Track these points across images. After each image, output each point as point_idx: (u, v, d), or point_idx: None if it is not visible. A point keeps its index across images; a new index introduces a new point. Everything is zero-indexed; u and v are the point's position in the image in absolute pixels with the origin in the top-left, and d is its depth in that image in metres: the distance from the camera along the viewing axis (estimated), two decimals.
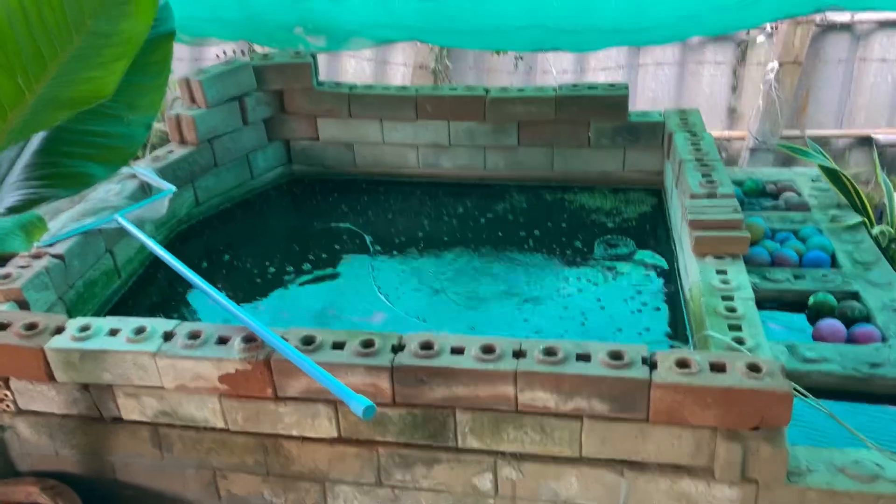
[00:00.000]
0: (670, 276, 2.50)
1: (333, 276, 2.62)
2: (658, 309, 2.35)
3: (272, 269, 2.64)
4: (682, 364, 1.59)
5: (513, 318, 2.34)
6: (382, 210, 3.08)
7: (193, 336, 1.77)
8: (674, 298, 2.39)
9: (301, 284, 2.57)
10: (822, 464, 1.62)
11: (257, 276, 2.61)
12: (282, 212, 3.16)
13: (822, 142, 3.75)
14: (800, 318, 2.24)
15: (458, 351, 1.68)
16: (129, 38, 1.44)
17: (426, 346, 1.69)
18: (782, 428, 1.55)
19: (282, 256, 2.74)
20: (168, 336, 1.78)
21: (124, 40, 1.44)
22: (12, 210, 1.49)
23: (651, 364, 1.60)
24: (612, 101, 2.93)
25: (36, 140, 1.59)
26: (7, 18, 1.30)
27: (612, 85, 2.99)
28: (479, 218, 2.97)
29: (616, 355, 1.62)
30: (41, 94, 1.42)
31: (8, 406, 1.90)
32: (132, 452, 1.90)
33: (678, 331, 2.23)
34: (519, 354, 1.65)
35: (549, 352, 1.64)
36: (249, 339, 1.74)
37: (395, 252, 2.75)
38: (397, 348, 1.70)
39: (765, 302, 2.28)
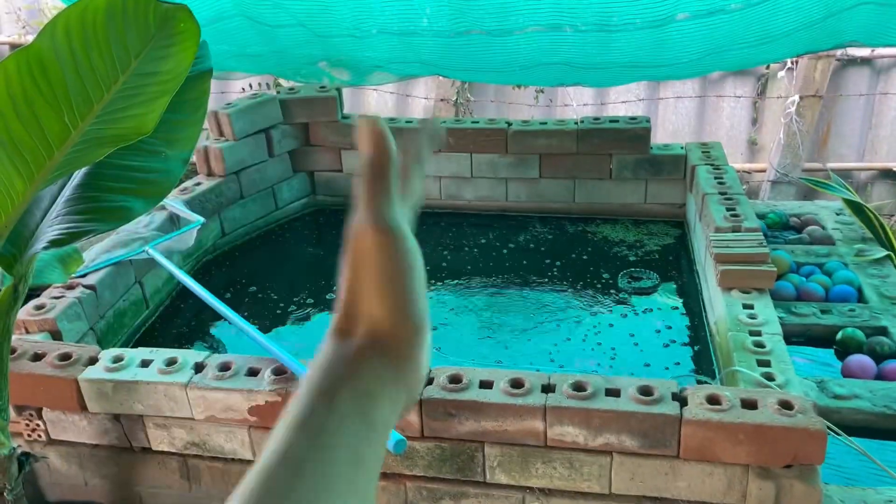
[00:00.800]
0: (695, 310, 2.50)
1: None
2: (684, 343, 2.35)
3: (296, 299, 2.67)
4: (713, 400, 1.59)
5: (537, 351, 2.35)
6: None
7: (224, 368, 1.79)
8: (699, 333, 2.38)
9: (325, 314, 2.59)
10: (855, 503, 1.60)
11: (282, 306, 2.63)
12: (305, 242, 3.20)
13: (844, 174, 3.75)
14: (827, 354, 2.23)
15: (486, 385, 1.69)
16: (172, 77, 1.48)
17: (455, 379, 1.70)
18: (816, 466, 1.54)
19: (306, 286, 2.76)
20: (199, 367, 1.80)
21: (166, 79, 1.49)
22: (54, 243, 1.53)
23: (681, 400, 1.60)
24: (633, 134, 2.96)
25: (78, 175, 1.64)
26: (56, 59, 1.35)
27: (633, 118, 3.01)
28: (501, 249, 2.99)
29: (646, 391, 1.62)
30: (86, 133, 1.46)
31: (39, 436, 1.92)
32: (160, 484, 1.91)
33: (704, 366, 2.22)
34: (548, 389, 1.66)
35: (578, 387, 1.65)
36: (279, 372, 1.75)
37: None
38: (426, 381, 1.71)
39: (791, 336, 2.27)
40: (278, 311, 2.61)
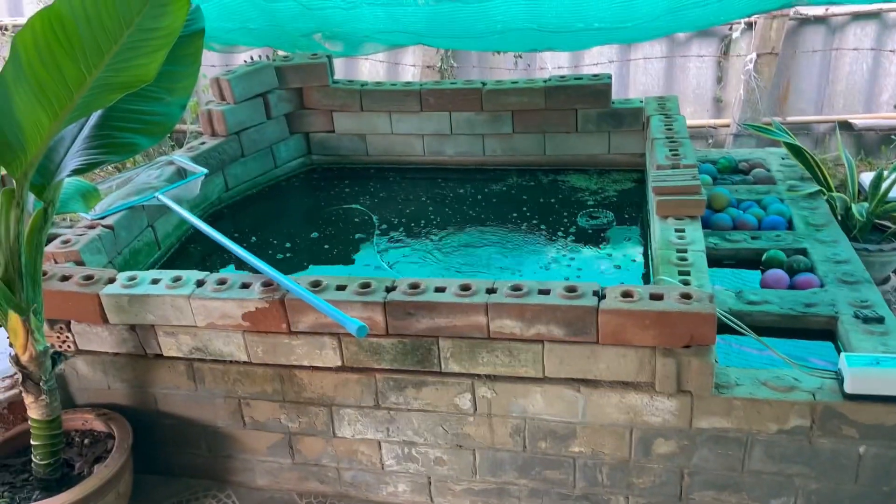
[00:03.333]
0: (644, 240, 2.79)
1: (345, 251, 2.96)
2: (631, 266, 2.64)
3: (292, 245, 2.99)
4: (626, 294, 1.89)
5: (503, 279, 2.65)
6: (392, 193, 3.42)
7: (221, 282, 2.12)
8: (645, 257, 2.68)
9: (317, 257, 2.91)
10: (748, 379, 1.90)
11: (280, 251, 2.95)
12: (302, 196, 3.52)
13: (804, 127, 3.99)
14: (756, 274, 2.52)
15: (440, 289, 2.00)
16: (168, 32, 1.79)
17: (414, 286, 2.01)
18: (710, 346, 1.83)
19: (301, 234, 3.09)
20: (200, 283, 2.13)
21: (164, 34, 1.80)
22: (76, 172, 1.86)
23: (601, 296, 1.90)
24: (595, 90, 3.23)
25: (93, 118, 1.96)
26: (72, 16, 1.66)
27: (596, 75, 3.29)
28: (478, 198, 3.29)
29: (571, 289, 1.92)
30: (98, 79, 1.77)
31: (69, 347, 2.26)
32: (171, 385, 2.25)
33: (647, 282, 2.52)
34: (491, 291, 1.97)
35: (516, 287, 1.96)
36: (267, 284, 2.08)
37: (401, 229, 3.08)
38: (390, 288, 2.02)
39: (724, 259, 2.58)
40: (279, 255, 2.94)
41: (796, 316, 2.16)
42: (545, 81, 3.31)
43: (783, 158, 3.18)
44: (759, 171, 3.05)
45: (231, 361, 2.17)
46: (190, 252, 2.94)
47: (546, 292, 1.94)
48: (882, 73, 3.96)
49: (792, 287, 2.32)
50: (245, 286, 2.10)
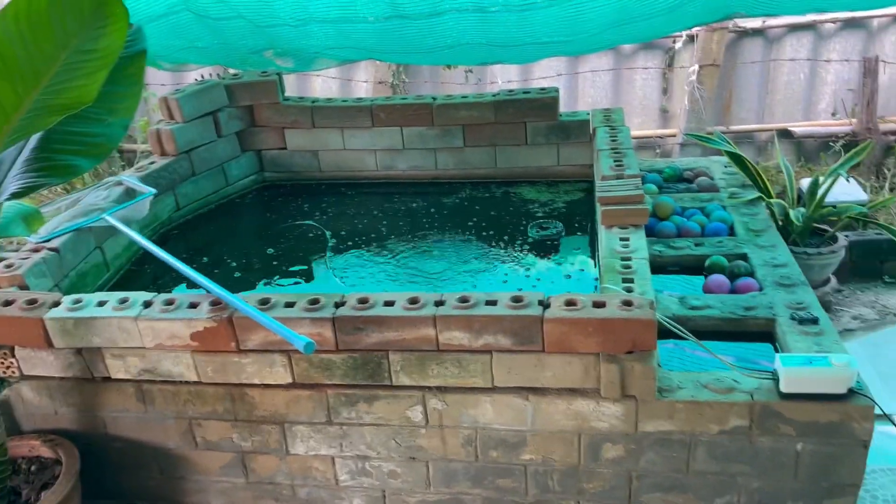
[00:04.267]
0: (593, 249, 2.85)
1: (298, 267, 2.96)
2: (579, 275, 2.70)
3: (245, 263, 2.98)
4: (570, 303, 1.93)
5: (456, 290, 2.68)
6: (345, 209, 3.43)
7: (169, 303, 2.10)
8: (593, 266, 2.73)
9: (270, 275, 2.91)
10: (690, 382, 1.96)
11: (232, 271, 2.94)
12: (254, 214, 3.51)
13: (747, 136, 4.12)
14: (699, 279, 2.59)
15: (389, 303, 2.02)
16: (107, 53, 1.79)
17: (363, 301, 2.03)
18: (652, 351, 1.88)
19: (254, 252, 3.08)
20: (147, 304, 2.11)
21: (103, 55, 1.80)
22: (15, 195, 1.84)
23: (545, 305, 1.94)
24: (543, 103, 3.30)
25: (33, 140, 1.94)
26: (7, 38, 1.65)
27: (543, 89, 3.36)
28: (431, 212, 3.32)
29: (517, 299, 1.96)
30: (36, 101, 1.77)
31: (13, 373, 2.22)
32: (120, 408, 2.22)
33: (594, 289, 2.57)
34: (439, 303, 1.99)
35: (463, 299, 1.98)
36: (216, 303, 2.07)
37: (354, 243, 3.10)
38: (339, 304, 2.04)
39: (668, 266, 2.64)
40: (232, 274, 2.92)
41: (736, 319, 2.23)
42: (494, 95, 3.37)
43: (725, 167, 3.27)
44: (703, 180, 3.14)
45: (181, 382, 2.16)
46: (140, 273, 2.92)
47: (493, 303, 1.97)
48: (819, 82, 4.11)
49: (733, 291, 2.39)
50: (193, 306, 2.09)
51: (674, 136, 4.14)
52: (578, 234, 3.02)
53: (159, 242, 3.14)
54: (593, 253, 2.87)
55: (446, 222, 3.21)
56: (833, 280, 3.16)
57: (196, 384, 2.15)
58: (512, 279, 2.71)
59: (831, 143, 3.99)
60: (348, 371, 2.05)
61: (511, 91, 3.39)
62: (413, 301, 2.00)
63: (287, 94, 3.61)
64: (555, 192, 3.35)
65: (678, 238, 2.73)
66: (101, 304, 2.14)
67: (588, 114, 3.35)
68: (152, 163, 3.21)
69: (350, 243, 3.10)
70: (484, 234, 3.07)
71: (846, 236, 3.16)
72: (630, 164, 2.75)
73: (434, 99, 3.42)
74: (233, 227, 3.36)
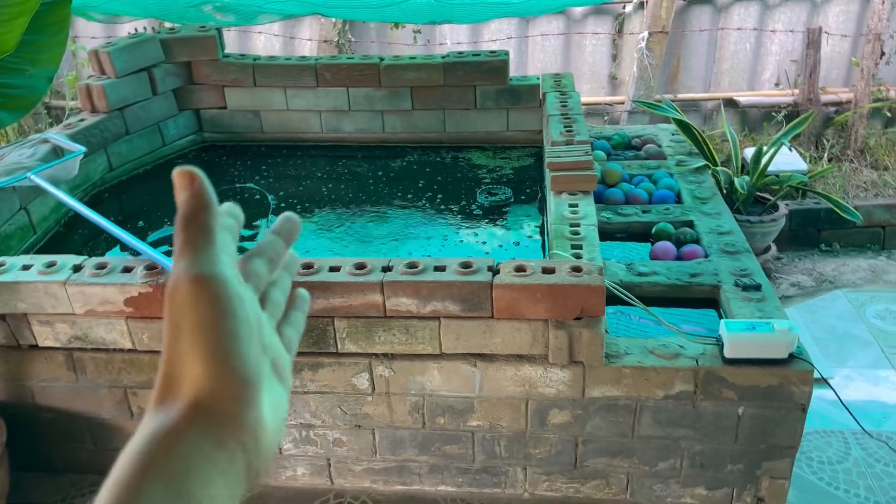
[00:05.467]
0: (542, 215, 2.83)
1: (241, 232, 2.85)
2: (528, 241, 2.68)
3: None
4: (520, 269, 1.90)
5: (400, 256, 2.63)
6: (288, 172, 3.33)
7: (100, 267, 2.00)
8: (543, 233, 2.72)
9: None
10: (636, 348, 1.96)
11: (170, 236, 2.82)
12: None
13: (693, 104, 4.16)
14: (646, 247, 2.60)
15: (335, 269, 1.96)
16: None
17: (307, 266, 1.96)
18: (600, 317, 1.88)
19: None
20: (77, 268, 2.00)
21: (21, 1, 1.66)
22: None
23: (495, 271, 1.91)
24: (493, 66, 3.24)
25: None
26: None
27: (493, 52, 3.30)
28: (378, 175, 3.24)
29: (466, 265, 1.92)
30: None
31: None
32: (49, 377, 2.12)
33: (542, 255, 2.55)
34: (387, 269, 1.94)
35: (411, 265, 1.94)
36: (151, 267, 1.97)
37: (298, 208, 3.00)
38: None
39: (616, 233, 2.65)
40: (169, 240, 2.80)
41: (682, 286, 2.24)
42: (443, 57, 3.29)
43: (673, 134, 3.29)
44: (651, 147, 3.15)
45: (115, 350, 2.06)
46: (70, 237, 2.77)
47: (442, 269, 1.93)
48: (763, 52, 4.16)
49: (679, 258, 2.41)
50: (127, 270, 1.99)
51: (622, 103, 4.14)
52: (527, 201, 3.00)
53: (90, 204, 2.99)
54: (542, 220, 2.85)
55: (394, 187, 3.15)
56: (773, 248, 3.23)
57: (131, 352, 2.06)
58: (461, 246, 2.68)
59: (774, 114, 4.05)
60: None
61: (461, 53, 3.31)
62: (360, 266, 1.95)
63: (227, 51, 3.46)
64: (504, 158, 3.31)
65: (626, 205, 2.73)
66: (26, 267, 2.02)
67: (538, 78, 3.30)
68: (82, 120, 3.03)
69: (294, 208, 3.00)
70: (432, 199, 3.02)
71: (786, 205, 3.22)
72: (580, 129, 2.73)
73: (381, 59, 3.32)
74: (169, 190, 3.17)
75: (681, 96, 4.10)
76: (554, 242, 2.26)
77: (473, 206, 2.93)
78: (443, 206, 2.96)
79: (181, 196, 0.46)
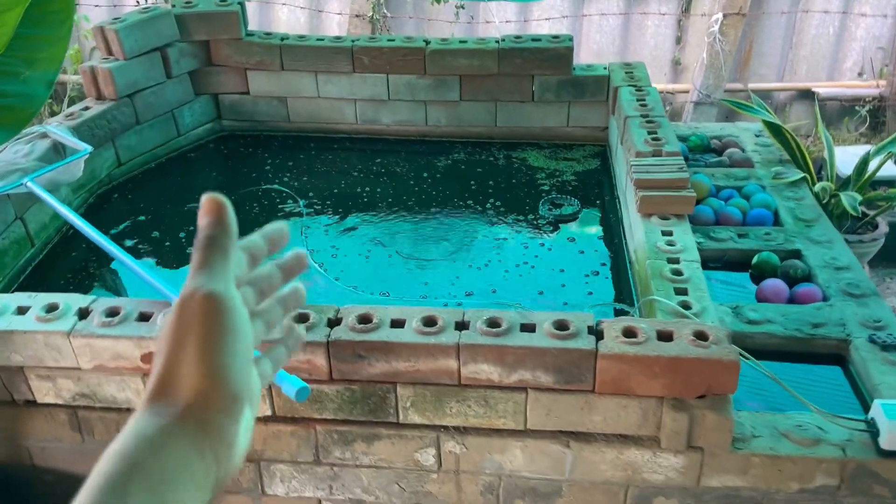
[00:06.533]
0: (616, 237, 2.46)
1: None
2: (603, 271, 2.31)
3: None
4: (629, 333, 1.54)
5: (458, 283, 2.27)
6: (318, 169, 2.95)
7: (112, 313, 1.64)
8: (619, 260, 2.35)
9: None
10: (766, 429, 1.61)
11: (185, 242, 2.46)
12: (211, 171, 3.00)
13: (764, 95, 3.74)
14: (744, 277, 2.23)
15: (398, 324, 1.60)
16: None
17: (364, 319, 1.61)
18: (728, 396, 1.53)
19: None
20: (83, 314, 1.65)
21: None
22: None
23: (597, 334, 1.55)
24: (556, 54, 2.83)
25: None
26: None
27: (555, 36, 2.88)
28: (423, 175, 2.87)
29: (561, 325, 1.56)
30: None
31: None
32: (49, 437, 1.78)
33: (624, 293, 2.19)
34: (462, 326, 1.58)
35: (493, 323, 1.58)
36: None
37: (330, 214, 2.64)
38: (334, 322, 1.61)
39: (709, 261, 2.26)
40: (184, 248, 2.44)
41: (802, 338, 1.89)
42: (498, 42, 2.88)
43: (756, 136, 2.89)
44: (735, 152, 2.75)
45: (128, 409, 1.71)
46: (73, 249, 2.41)
47: (531, 328, 1.57)
48: (847, 37, 3.72)
49: (792, 300, 2.04)
50: (144, 318, 1.63)
51: (686, 92, 3.73)
52: (596, 211, 2.62)
53: (97, 206, 2.64)
54: (610, 239, 2.48)
55: (441, 189, 2.77)
56: (867, 268, 2.86)
57: None
58: (528, 274, 2.31)
59: (857, 108, 3.64)
60: (344, 405, 1.64)
61: (518, 37, 2.90)
62: (429, 323, 1.59)
63: (249, 28, 3.04)
64: (565, 160, 2.92)
65: (717, 226, 2.36)
66: (22, 311, 1.66)
67: (605, 68, 2.90)
68: (86, 108, 2.65)
69: (327, 213, 2.63)
70: (486, 208, 2.64)
71: (886, 221, 2.84)
72: (668, 137, 2.34)
73: (427, 43, 2.91)
74: (185, 186, 2.85)
75: (751, 86, 3.68)
76: (651, 283, 1.90)
77: (535, 219, 2.56)
78: (500, 217, 2.59)
79: (205, 219, 0.52)
